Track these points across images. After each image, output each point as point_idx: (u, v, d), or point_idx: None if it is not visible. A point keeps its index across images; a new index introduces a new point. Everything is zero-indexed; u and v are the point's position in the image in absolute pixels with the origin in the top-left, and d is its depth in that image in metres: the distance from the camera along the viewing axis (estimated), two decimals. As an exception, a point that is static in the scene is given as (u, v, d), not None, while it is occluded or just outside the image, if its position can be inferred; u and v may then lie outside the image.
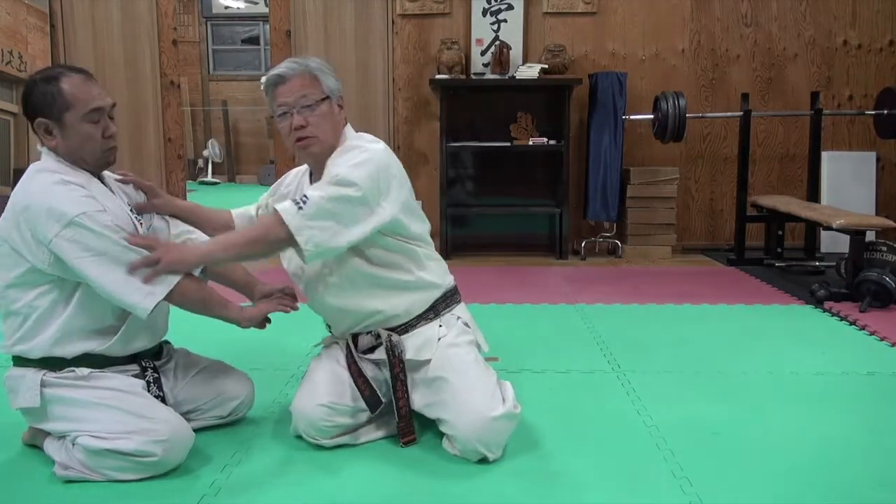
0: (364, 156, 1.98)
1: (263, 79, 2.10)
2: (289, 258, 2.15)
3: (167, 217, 2.16)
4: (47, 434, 1.99)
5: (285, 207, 1.89)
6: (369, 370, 2.11)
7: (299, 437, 2.10)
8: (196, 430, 2.05)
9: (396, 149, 5.28)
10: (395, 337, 2.08)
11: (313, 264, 2.06)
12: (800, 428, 2.22)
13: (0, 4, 5.97)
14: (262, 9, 10.44)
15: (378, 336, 2.10)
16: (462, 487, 1.86)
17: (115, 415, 1.87)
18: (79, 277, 1.86)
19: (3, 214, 1.90)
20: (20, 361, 1.96)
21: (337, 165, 1.96)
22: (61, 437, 1.93)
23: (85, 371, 1.92)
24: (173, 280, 1.88)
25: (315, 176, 2.13)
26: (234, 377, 2.23)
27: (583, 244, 5.17)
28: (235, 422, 2.23)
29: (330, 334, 2.26)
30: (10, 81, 6.88)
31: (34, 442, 2.05)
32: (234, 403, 2.20)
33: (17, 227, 1.85)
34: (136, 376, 2.00)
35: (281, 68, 2.06)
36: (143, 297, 1.84)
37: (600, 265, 4.93)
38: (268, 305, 2.08)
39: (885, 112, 4.90)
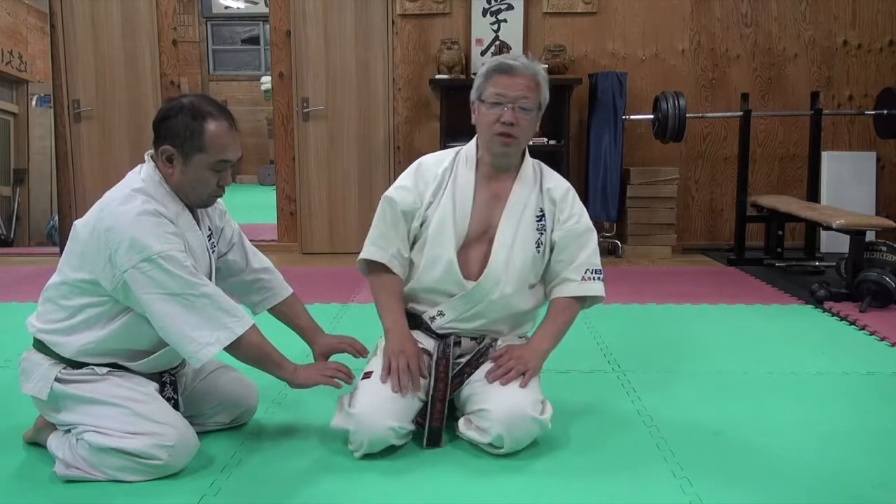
0: (578, 198, 2.23)
1: (488, 61, 2.12)
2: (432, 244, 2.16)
3: (247, 250, 2.18)
4: (51, 431, 1.99)
5: (598, 288, 2.19)
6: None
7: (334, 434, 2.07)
8: (196, 431, 2.05)
9: (396, 149, 5.28)
10: (493, 347, 2.17)
11: (497, 271, 2.12)
12: (800, 428, 2.22)
13: (0, 4, 5.97)
14: (262, 9, 10.44)
15: (481, 341, 2.17)
16: (461, 485, 1.86)
17: (124, 414, 1.86)
18: (140, 309, 1.84)
19: (89, 217, 1.88)
20: (42, 347, 1.94)
21: (581, 216, 2.19)
22: (66, 431, 1.92)
23: (103, 370, 1.92)
24: (237, 332, 1.87)
25: (484, 168, 2.18)
26: (240, 385, 2.21)
27: (583, 244, 5.16)
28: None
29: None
30: (10, 81, 6.89)
31: (37, 440, 2.05)
32: (237, 411, 2.19)
33: (96, 239, 1.83)
34: (151, 378, 2.00)
35: (513, 60, 2.08)
36: (200, 347, 1.83)
37: (600, 265, 4.92)
38: (320, 376, 2.02)
39: (885, 112, 4.90)
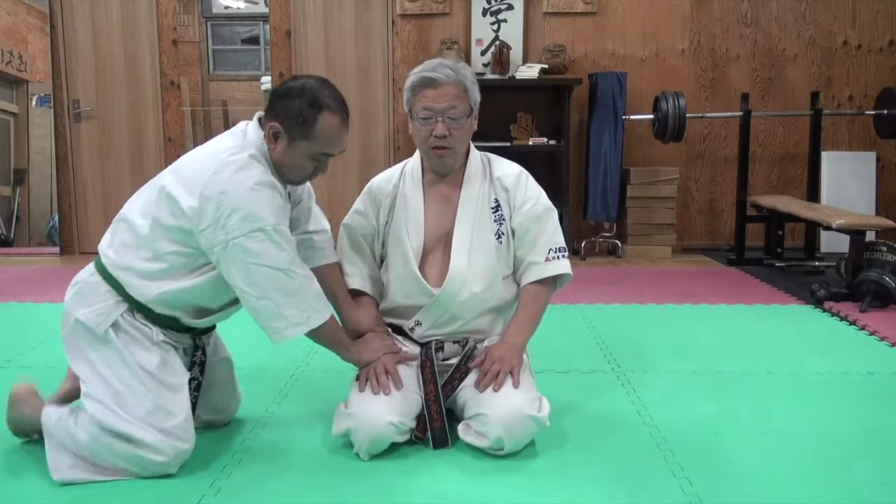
0: (536, 183, 2.23)
1: (412, 74, 2.09)
2: (402, 253, 2.16)
3: (310, 211, 2.19)
4: (38, 407, 1.95)
5: (563, 266, 2.15)
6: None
7: (337, 436, 2.05)
8: (196, 430, 2.04)
9: (396, 149, 5.28)
10: (478, 349, 2.15)
11: (459, 272, 2.10)
12: (800, 428, 2.22)
13: (0, 4, 5.98)
14: (262, 9, 10.42)
15: (465, 345, 2.16)
16: (460, 485, 1.86)
17: (144, 402, 1.83)
18: (230, 276, 1.83)
19: (195, 172, 1.83)
20: (112, 281, 1.88)
21: (538, 198, 2.19)
22: (71, 412, 1.88)
23: (159, 336, 1.90)
24: (325, 316, 1.92)
25: (429, 175, 2.19)
26: (232, 385, 2.22)
27: (583, 244, 5.17)
28: (236, 423, 2.23)
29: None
30: (10, 81, 6.89)
31: (24, 408, 1.98)
32: (221, 415, 2.19)
33: (206, 199, 1.78)
34: (185, 351, 2.00)
35: (435, 72, 2.06)
36: (288, 325, 1.87)
37: (600, 265, 4.93)
38: (381, 348, 2.09)
39: (885, 112, 4.90)
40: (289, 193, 2.02)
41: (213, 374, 2.13)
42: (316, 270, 2.13)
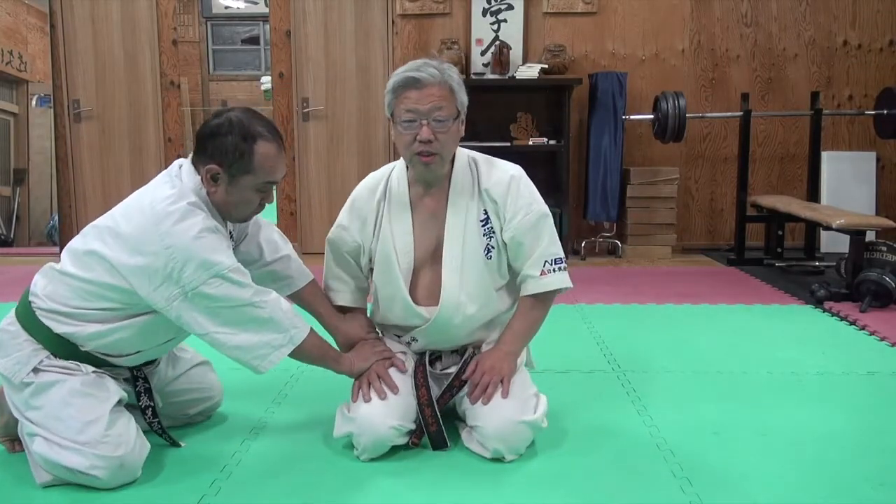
0: (531, 185, 2.10)
1: (394, 75, 1.97)
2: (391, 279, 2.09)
3: (261, 242, 2.14)
4: None
5: (560, 280, 2.08)
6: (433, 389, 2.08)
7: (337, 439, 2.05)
8: (195, 431, 2.04)
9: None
10: (477, 354, 2.12)
11: (452, 297, 2.04)
12: (800, 428, 2.22)
13: (0, 4, 5.98)
14: (262, 9, 10.43)
15: (463, 353, 2.13)
16: (459, 486, 1.86)
17: (73, 423, 1.79)
18: (197, 327, 1.81)
19: (136, 227, 1.79)
20: (32, 324, 1.86)
21: (530, 205, 2.06)
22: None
23: (88, 368, 1.88)
24: (300, 336, 1.90)
25: (415, 188, 2.09)
26: (213, 379, 2.22)
27: (583, 244, 5.17)
28: (235, 423, 2.23)
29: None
30: (10, 81, 6.89)
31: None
32: (204, 405, 2.19)
33: (153, 255, 1.76)
34: (126, 380, 1.98)
35: (418, 71, 1.93)
36: (272, 350, 1.87)
37: (600, 265, 4.93)
38: (373, 356, 2.07)
39: (885, 112, 4.90)
40: (231, 232, 1.99)
41: (179, 384, 2.13)
42: (292, 296, 2.12)
